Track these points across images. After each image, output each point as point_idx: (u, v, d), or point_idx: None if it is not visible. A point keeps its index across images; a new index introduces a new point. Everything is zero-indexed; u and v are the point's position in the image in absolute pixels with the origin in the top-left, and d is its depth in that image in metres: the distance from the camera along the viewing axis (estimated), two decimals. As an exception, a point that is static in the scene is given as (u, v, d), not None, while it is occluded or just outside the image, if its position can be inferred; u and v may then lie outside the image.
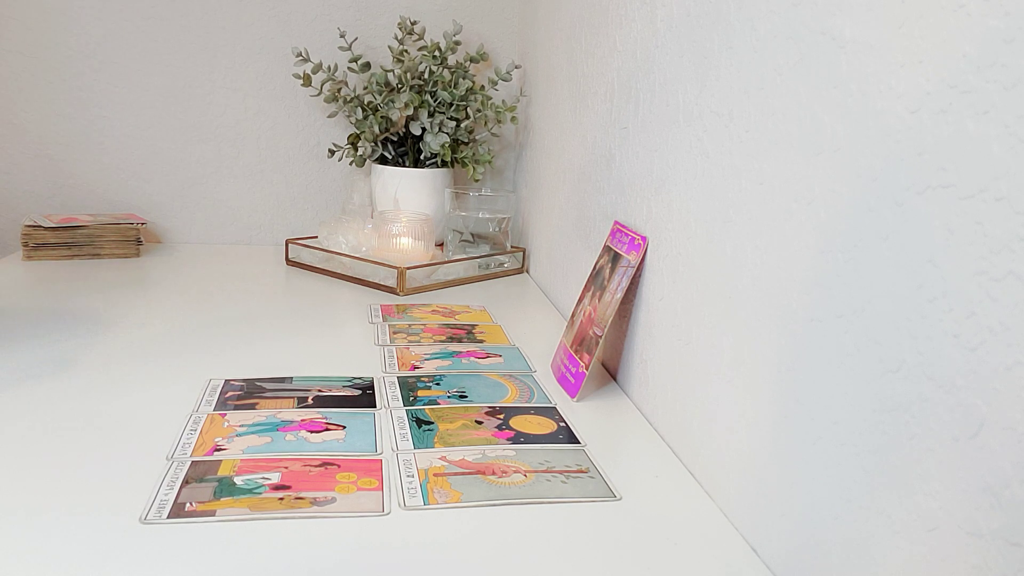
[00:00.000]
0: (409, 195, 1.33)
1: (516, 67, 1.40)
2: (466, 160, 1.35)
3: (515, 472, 0.63)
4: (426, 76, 1.36)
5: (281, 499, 0.58)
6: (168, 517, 0.54)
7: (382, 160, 1.38)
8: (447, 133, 1.32)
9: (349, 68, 1.37)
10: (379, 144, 1.37)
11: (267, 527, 0.54)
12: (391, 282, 1.18)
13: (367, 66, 1.36)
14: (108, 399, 0.74)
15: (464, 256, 1.28)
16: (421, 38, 1.38)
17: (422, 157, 1.37)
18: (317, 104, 1.44)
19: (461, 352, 0.92)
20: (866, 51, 0.44)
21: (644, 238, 0.78)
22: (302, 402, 0.75)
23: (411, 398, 0.77)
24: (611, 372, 0.88)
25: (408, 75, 1.33)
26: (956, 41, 0.37)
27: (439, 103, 1.34)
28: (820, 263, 0.48)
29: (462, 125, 1.35)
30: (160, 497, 0.57)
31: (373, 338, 0.96)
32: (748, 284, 0.57)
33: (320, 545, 0.53)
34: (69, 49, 1.36)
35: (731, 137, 0.60)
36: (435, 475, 0.62)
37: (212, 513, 0.55)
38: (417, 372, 0.85)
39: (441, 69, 1.36)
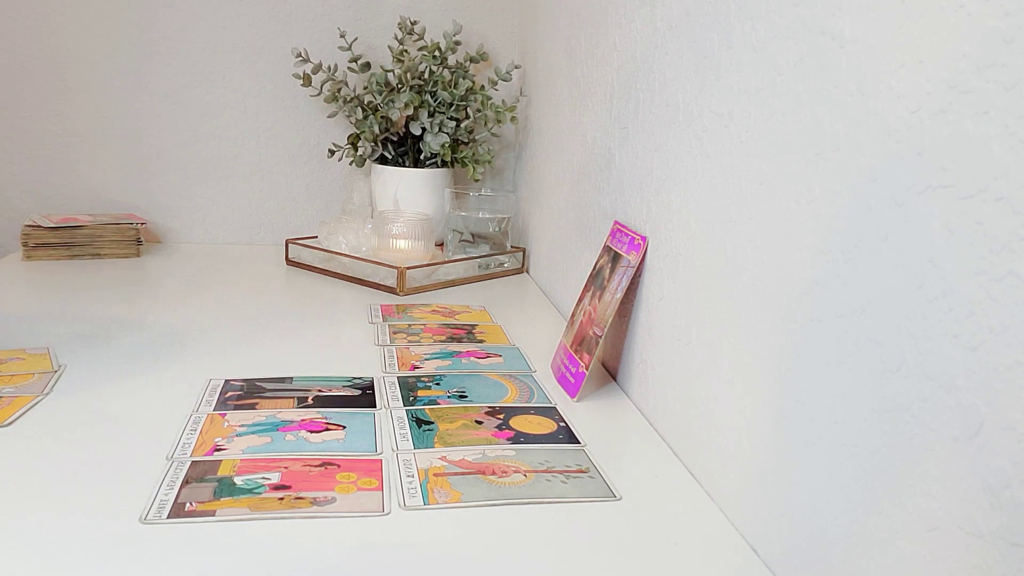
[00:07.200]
0: (409, 195, 1.33)
1: (516, 67, 1.40)
2: (466, 160, 1.35)
3: (515, 472, 0.63)
4: (426, 76, 1.36)
5: (281, 499, 0.58)
6: (168, 517, 0.54)
7: (382, 160, 1.38)
8: (447, 133, 1.32)
9: (349, 68, 1.37)
10: (379, 144, 1.37)
11: (267, 527, 0.54)
12: (391, 282, 1.18)
13: (367, 66, 1.36)
14: (108, 399, 0.74)
15: (464, 256, 1.28)
16: (421, 38, 1.38)
17: (422, 157, 1.37)
18: (317, 104, 1.44)
19: (461, 352, 0.92)
20: (866, 51, 0.44)
21: (644, 238, 0.78)
22: (302, 402, 0.75)
23: (411, 398, 0.77)
24: (611, 372, 0.88)
25: (408, 75, 1.33)
26: (956, 41, 0.37)
27: (439, 103, 1.34)
28: (820, 263, 0.48)
29: (462, 125, 1.35)
30: (160, 497, 0.57)
31: (373, 338, 0.96)
32: (748, 284, 0.57)
33: (320, 545, 0.53)
34: (69, 49, 1.36)
35: (731, 137, 0.60)
36: (435, 475, 0.62)
37: (212, 513, 0.55)
38: (417, 372, 0.85)
39: (441, 69, 1.36)
